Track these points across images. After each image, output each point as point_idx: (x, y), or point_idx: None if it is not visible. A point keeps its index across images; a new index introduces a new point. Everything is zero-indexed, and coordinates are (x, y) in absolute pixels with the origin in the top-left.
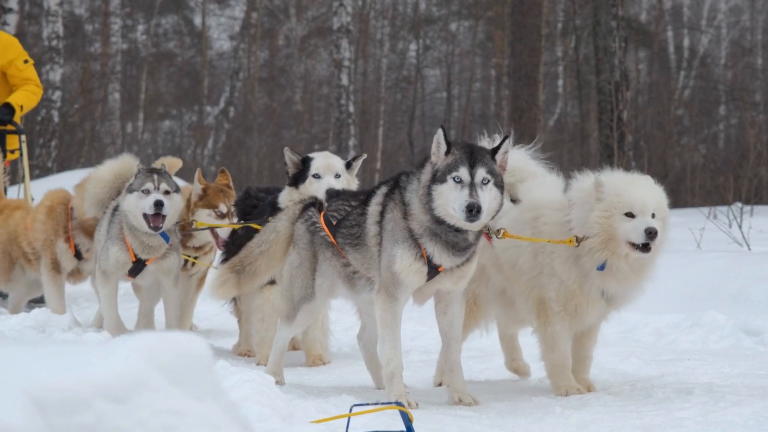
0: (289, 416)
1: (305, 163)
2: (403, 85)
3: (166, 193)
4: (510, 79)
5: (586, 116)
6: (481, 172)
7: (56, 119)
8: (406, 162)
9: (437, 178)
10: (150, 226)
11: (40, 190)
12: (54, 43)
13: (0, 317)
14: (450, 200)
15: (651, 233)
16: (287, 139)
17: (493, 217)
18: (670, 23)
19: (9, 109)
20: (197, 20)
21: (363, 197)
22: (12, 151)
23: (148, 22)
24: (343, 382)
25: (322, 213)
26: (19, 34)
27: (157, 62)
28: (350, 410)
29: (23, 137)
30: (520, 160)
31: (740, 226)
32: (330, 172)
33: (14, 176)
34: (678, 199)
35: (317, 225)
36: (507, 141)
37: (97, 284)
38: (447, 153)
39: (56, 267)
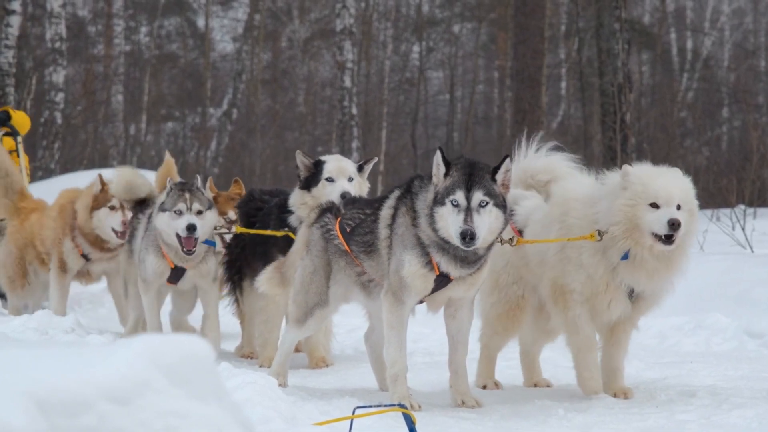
0: (292, 418)
1: (318, 166)
2: (406, 87)
3: (199, 213)
4: (513, 81)
5: (589, 118)
6: (478, 196)
7: (59, 121)
8: (409, 164)
9: (437, 200)
10: (183, 250)
11: (43, 191)
12: (57, 44)
13: (2, 319)
14: (449, 224)
15: (674, 225)
16: (290, 141)
17: (497, 237)
18: (674, 25)
19: (4, 113)
20: (200, 22)
21: (377, 204)
22: (9, 153)
23: (151, 23)
24: (346, 384)
25: (338, 220)
26: (22, 36)
27: (160, 64)
28: (353, 412)
29: (19, 138)
30: (551, 163)
31: (743, 229)
32: (343, 175)
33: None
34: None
35: (332, 232)
36: (507, 160)
37: (139, 291)
38: (446, 174)
39: (63, 267)
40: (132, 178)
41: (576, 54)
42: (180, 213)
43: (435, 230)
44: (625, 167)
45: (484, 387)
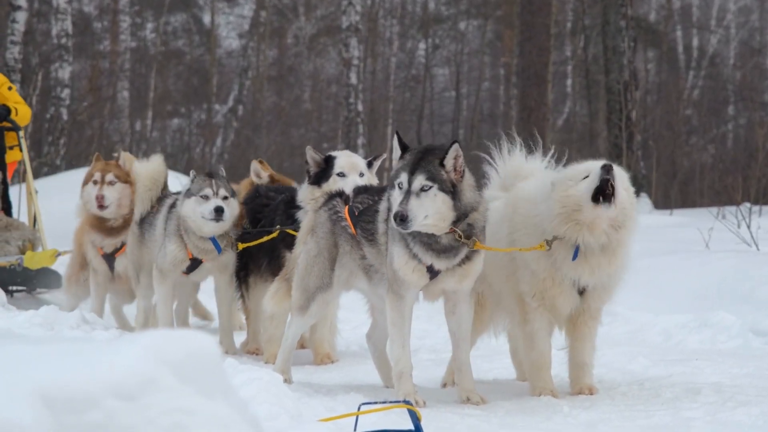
0: (298, 415)
1: (328, 161)
2: (412, 84)
3: (225, 198)
4: (519, 79)
5: (594, 116)
6: (420, 179)
7: (65, 117)
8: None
9: (391, 184)
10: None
11: (48, 187)
12: (63, 41)
13: (8, 315)
14: (392, 207)
15: (606, 167)
16: (295, 138)
17: (471, 223)
18: (679, 23)
19: (4, 107)
20: (206, 18)
21: (380, 196)
22: (11, 148)
23: (157, 20)
24: (352, 381)
25: (347, 206)
26: (28, 32)
27: (166, 60)
28: (359, 409)
29: (21, 133)
30: (518, 164)
31: (749, 227)
32: (354, 170)
33: (18, 175)
34: (686, 200)
35: (340, 214)
36: (455, 145)
37: (153, 282)
38: (400, 158)
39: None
40: (159, 167)
41: (582, 51)
42: (207, 198)
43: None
44: (553, 177)
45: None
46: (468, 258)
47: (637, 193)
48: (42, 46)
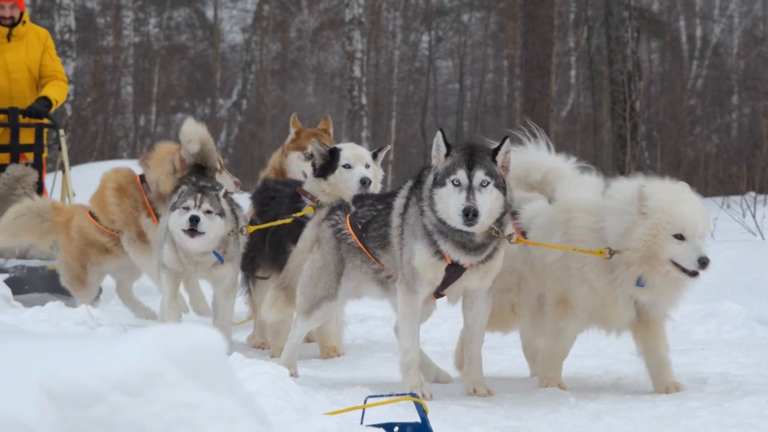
0: (304, 408)
1: (333, 153)
2: (416, 76)
3: (207, 212)
4: (522, 70)
5: (598, 107)
6: (479, 175)
7: (69, 113)
8: (419, 154)
9: (437, 181)
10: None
11: (51, 183)
12: (66, 36)
13: (13, 310)
14: (449, 204)
15: (705, 264)
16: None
17: (500, 219)
18: (683, 13)
19: (47, 101)
20: (209, 13)
21: (390, 199)
22: (49, 146)
23: (160, 15)
24: (358, 374)
25: (348, 217)
26: None
27: (169, 55)
28: (365, 402)
29: (61, 131)
30: (546, 160)
31: (754, 216)
32: (360, 162)
33: (53, 164)
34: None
35: (344, 232)
36: (507, 141)
37: (160, 279)
38: (447, 155)
39: (143, 238)
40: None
41: (585, 42)
42: (187, 209)
43: (434, 212)
44: (641, 189)
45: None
46: (490, 256)
47: None
48: None
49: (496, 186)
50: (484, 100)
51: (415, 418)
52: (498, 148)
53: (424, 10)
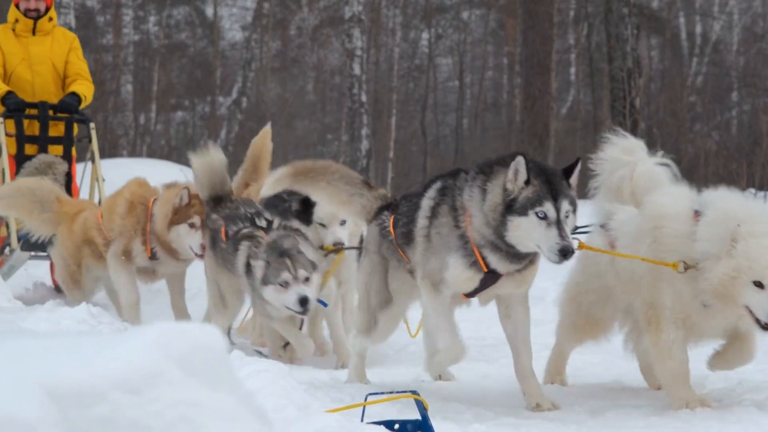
0: (305, 406)
1: (306, 204)
2: (416, 74)
3: (306, 280)
4: (522, 68)
5: (598, 104)
6: (565, 206)
7: None
8: (419, 151)
9: (515, 209)
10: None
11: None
12: None
13: (14, 309)
14: (533, 237)
15: None
16: (300, 129)
17: None
18: (682, 10)
19: (77, 97)
20: (209, 11)
21: (419, 194)
22: (80, 140)
23: (159, 13)
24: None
25: (393, 218)
26: None
27: (169, 53)
28: (365, 399)
29: (92, 125)
30: (648, 172)
31: None
32: (335, 220)
33: (82, 154)
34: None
35: (388, 229)
36: (580, 163)
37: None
38: (527, 183)
39: (127, 255)
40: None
41: (585, 39)
42: (286, 285)
43: (503, 236)
44: (736, 230)
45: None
46: (531, 262)
47: None
48: None
49: (574, 212)
50: (484, 97)
51: (416, 415)
52: (571, 169)
53: (423, 7)
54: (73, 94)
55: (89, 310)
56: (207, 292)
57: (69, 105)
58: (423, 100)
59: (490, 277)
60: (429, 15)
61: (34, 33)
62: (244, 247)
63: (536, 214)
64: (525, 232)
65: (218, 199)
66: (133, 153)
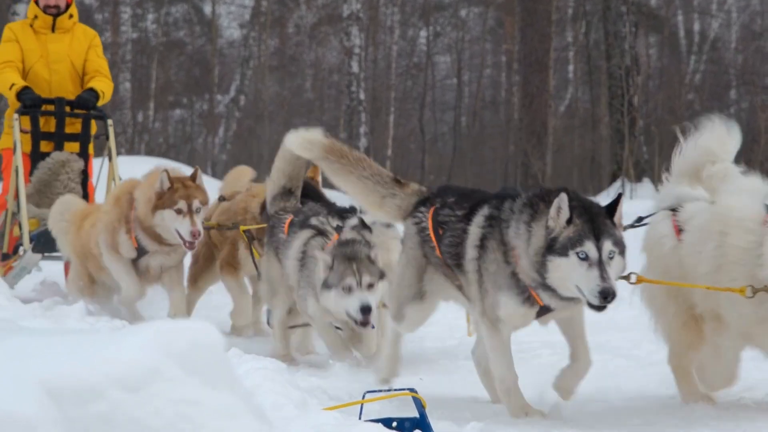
0: (303, 404)
1: None
2: (414, 72)
3: (370, 287)
4: (520, 65)
5: (596, 101)
6: (608, 246)
7: None
8: (417, 149)
9: (555, 249)
10: (358, 324)
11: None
12: None
13: (13, 307)
14: (573, 278)
15: None
16: (298, 127)
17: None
18: (681, 7)
19: (94, 93)
20: (207, 9)
21: (467, 212)
22: (97, 136)
23: (158, 11)
24: (357, 370)
25: (431, 213)
26: None
27: (167, 51)
28: (363, 397)
29: (110, 122)
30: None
31: None
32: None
33: (99, 151)
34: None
35: (426, 232)
36: (621, 200)
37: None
38: (569, 222)
39: (116, 248)
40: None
41: (583, 37)
42: (349, 290)
43: (542, 278)
44: None
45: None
46: None
47: (640, 177)
48: None
49: (621, 253)
50: (482, 95)
51: (414, 413)
52: (614, 206)
53: (421, 5)
54: (91, 90)
55: (88, 308)
56: (260, 286)
57: (86, 101)
58: (421, 97)
59: (546, 308)
60: (427, 13)
61: (53, 30)
62: (305, 233)
63: (577, 254)
64: (565, 273)
65: (288, 192)
66: (131, 151)
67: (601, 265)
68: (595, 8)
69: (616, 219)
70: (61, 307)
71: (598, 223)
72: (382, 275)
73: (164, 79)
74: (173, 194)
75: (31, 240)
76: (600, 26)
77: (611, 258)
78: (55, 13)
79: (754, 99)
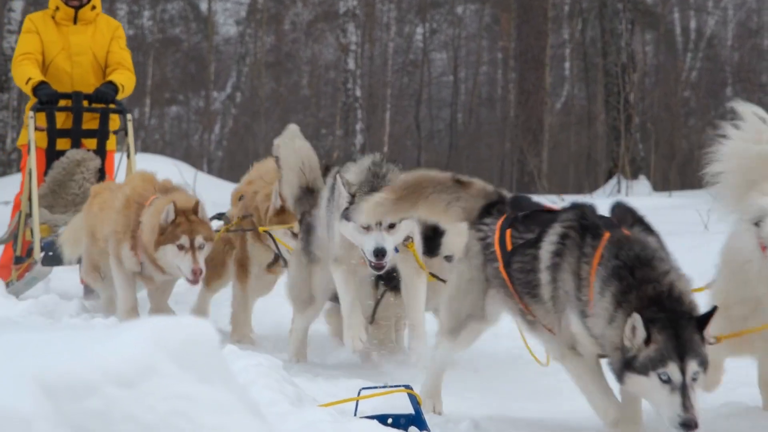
0: (298, 400)
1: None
2: (410, 68)
3: (391, 227)
4: (517, 62)
5: (593, 99)
6: (693, 367)
7: None
8: (413, 146)
9: (635, 367)
10: (371, 266)
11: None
12: None
13: (7, 303)
14: (653, 399)
15: None
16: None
17: None
18: (677, 5)
19: (113, 86)
20: (203, 5)
21: (538, 232)
22: (116, 132)
23: (154, 7)
24: (352, 366)
25: (498, 229)
26: None
27: (163, 48)
28: (359, 393)
29: (129, 116)
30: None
31: None
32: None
33: (120, 146)
34: (685, 181)
35: (492, 249)
36: (716, 312)
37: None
38: (647, 341)
39: (119, 258)
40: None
41: (579, 34)
42: (367, 229)
43: (620, 381)
44: None
45: None
46: None
47: (636, 175)
48: None
49: (705, 371)
50: (478, 92)
51: (409, 409)
52: (706, 318)
53: (418, 2)
54: (110, 83)
55: (83, 304)
56: (287, 293)
57: (104, 94)
58: (417, 94)
59: None
60: (423, 10)
61: (75, 22)
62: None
63: (659, 376)
64: (645, 391)
65: (309, 191)
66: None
67: (684, 390)
68: (591, 5)
69: (705, 332)
70: (56, 303)
71: (683, 339)
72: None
73: (160, 76)
74: (175, 229)
75: (42, 248)
76: (596, 23)
77: (695, 380)
78: (77, 5)
79: (750, 96)
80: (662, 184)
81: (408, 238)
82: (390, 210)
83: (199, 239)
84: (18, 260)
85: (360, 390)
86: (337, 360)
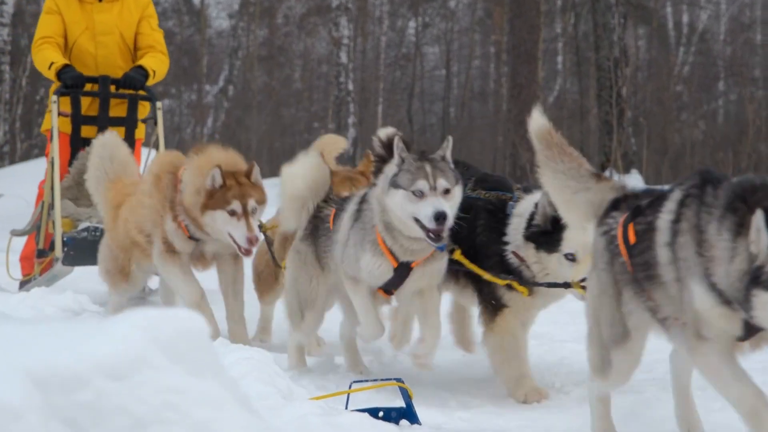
0: (289, 394)
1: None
2: (402, 62)
3: (446, 192)
4: (509, 56)
5: (585, 93)
6: None
7: None
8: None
9: (762, 281)
10: (429, 236)
11: (39, 169)
12: None
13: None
14: None
15: None
16: (286, 118)
17: None
18: None
19: (143, 71)
20: None
21: (655, 207)
22: (144, 120)
23: None
24: (344, 360)
25: (622, 221)
26: (18, 13)
27: None
28: (350, 387)
29: (159, 104)
30: None
31: None
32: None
33: (147, 139)
34: (677, 175)
35: (617, 243)
36: None
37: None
38: None
39: (170, 248)
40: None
41: (572, 28)
42: (421, 195)
43: (748, 313)
44: None
45: None
46: None
47: (628, 169)
48: (31, 28)
49: None
50: (470, 86)
51: (400, 402)
52: None
53: None
54: (140, 67)
55: (75, 298)
56: (284, 300)
57: (133, 80)
58: (410, 88)
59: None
60: (416, 3)
61: (100, 0)
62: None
63: None
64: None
65: (325, 199)
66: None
67: None
68: (584, 0)
69: None
70: (47, 296)
71: None
72: (457, 179)
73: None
74: (226, 193)
75: (63, 245)
76: (589, 18)
77: None
78: None
79: (742, 91)
80: (654, 178)
81: (452, 250)
82: (536, 135)
83: (251, 203)
84: (41, 253)
85: (351, 383)
86: (328, 354)
